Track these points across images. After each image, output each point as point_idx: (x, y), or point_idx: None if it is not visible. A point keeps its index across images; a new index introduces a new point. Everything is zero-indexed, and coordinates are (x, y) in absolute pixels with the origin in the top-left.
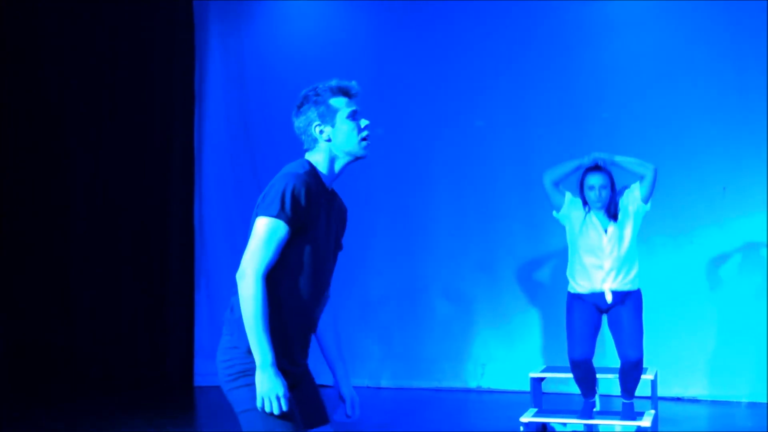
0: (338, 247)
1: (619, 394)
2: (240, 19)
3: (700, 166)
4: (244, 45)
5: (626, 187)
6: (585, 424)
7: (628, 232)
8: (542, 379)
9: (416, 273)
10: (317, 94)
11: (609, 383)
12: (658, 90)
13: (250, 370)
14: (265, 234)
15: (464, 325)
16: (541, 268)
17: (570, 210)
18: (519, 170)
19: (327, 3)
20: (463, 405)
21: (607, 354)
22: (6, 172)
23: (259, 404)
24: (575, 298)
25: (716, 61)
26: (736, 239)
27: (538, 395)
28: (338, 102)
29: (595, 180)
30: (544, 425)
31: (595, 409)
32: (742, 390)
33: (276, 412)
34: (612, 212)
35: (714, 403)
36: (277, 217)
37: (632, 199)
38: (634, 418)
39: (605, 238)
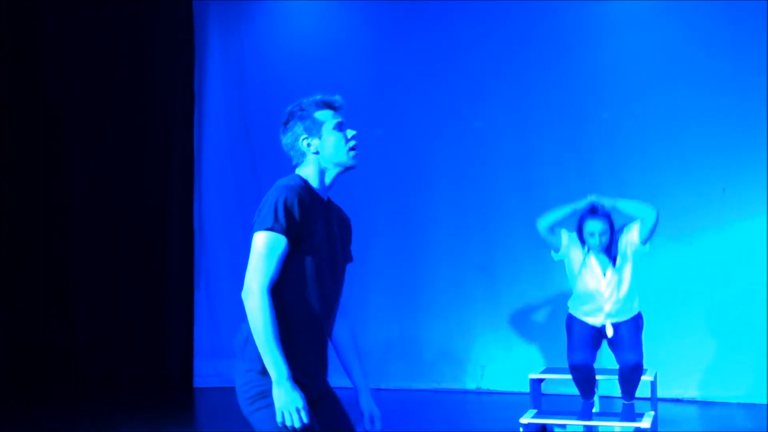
0: (347, 258)
1: (618, 395)
2: (240, 19)
3: (699, 167)
4: (244, 45)
5: (625, 226)
6: (584, 425)
7: (626, 275)
8: (542, 380)
9: (416, 274)
10: (302, 109)
11: (609, 384)
12: (658, 90)
13: (267, 391)
14: (264, 248)
15: (464, 327)
16: (541, 270)
17: (569, 249)
18: (519, 171)
19: (327, 3)
20: (462, 406)
21: (607, 354)
22: (6, 172)
23: (279, 419)
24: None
25: (716, 62)
26: (736, 240)
27: (538, 396)
28: (323, 115)
29: (594, 227)
30: (544, 426)
31: (594, 410)
32: (742, 391)
33: (297, 425)
34: (612, 255)
35: (714, 404)
36: (272, 229)
37: (630, 241)
38: (633, 419)
39: (603, 282)
